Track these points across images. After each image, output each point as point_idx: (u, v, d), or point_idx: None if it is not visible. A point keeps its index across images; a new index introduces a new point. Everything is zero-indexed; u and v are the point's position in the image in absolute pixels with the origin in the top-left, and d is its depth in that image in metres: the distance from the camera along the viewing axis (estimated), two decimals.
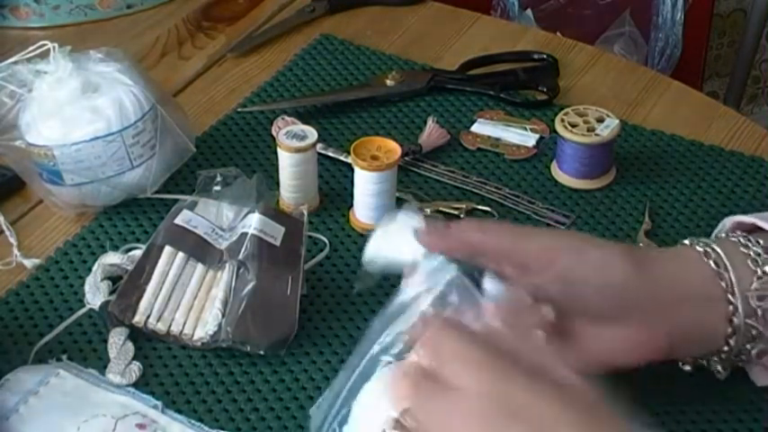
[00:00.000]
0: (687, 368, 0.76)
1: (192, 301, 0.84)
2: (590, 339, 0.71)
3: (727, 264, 0.72)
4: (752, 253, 0.73)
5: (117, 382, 0.79)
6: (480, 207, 0.95)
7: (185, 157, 0.97)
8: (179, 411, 0.78)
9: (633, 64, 1.24)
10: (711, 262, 0.73)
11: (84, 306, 0.85)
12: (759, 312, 0.72)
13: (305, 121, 1.01)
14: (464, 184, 0.97)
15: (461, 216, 0.94)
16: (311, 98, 1.08)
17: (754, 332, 0.73)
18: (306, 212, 0.89)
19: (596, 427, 0.56)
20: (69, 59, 0.90)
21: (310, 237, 0.89)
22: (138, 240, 0.91)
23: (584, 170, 0.96)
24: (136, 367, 0.80)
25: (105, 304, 0.84)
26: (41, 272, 0.89)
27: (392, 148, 0.91)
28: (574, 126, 0.95)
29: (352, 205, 0.93)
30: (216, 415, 0.78)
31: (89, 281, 0.86)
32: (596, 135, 0.95)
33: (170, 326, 0.83)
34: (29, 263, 0.90)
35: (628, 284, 0.72)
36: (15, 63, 0.91)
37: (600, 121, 0.96)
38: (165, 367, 0.81)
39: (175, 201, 0.92)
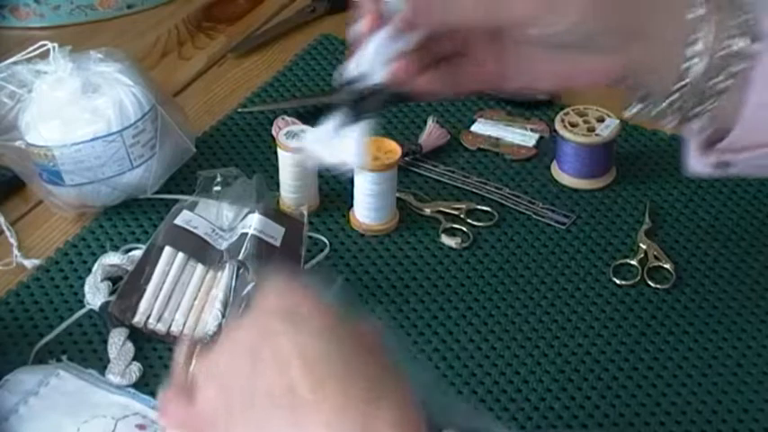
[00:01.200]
0: (633, 110, 0.70)
1: (192, 302, 0.84)
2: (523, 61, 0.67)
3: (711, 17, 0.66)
4: (735, 21, 0.66)
5: (117, 382, 0.79)
6: (480, 207, 0.95)
7: (185, 158, 0.97)
8: None
9: None
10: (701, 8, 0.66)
11: (84, 306, 0.85)
12: (720, 77, 0.67)
13: (305, 121, 1.01)
14: (464, 184, 0.97)
15: (461, 216, 0.94)
16: (311, 98, 1.08)
17: (706, 92, 0.67)
18: (306, 213, 0.89)
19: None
20: (69, 59, 0.90)
21: (310, 237, 0.89)
22: (138, 241, 0.91)
23: (585, 170, 0.96)
24: (136, 368, 0.80)
25: (105, 305, 0.84)
26: (41, 272, 0.89)
27: (392, 148, 0.91)
28: (574, 126, 0.95)
29: (352, 205, 0.93)
30: None
31: (89, 281, 0.86)
32: (596, 135, 0.95)
33: (170, 326, 0.83)
34: (29, 263, 0.90)
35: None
36: (15, 63, 0.91)
37: (600, 120, 0.96)
38: (165, 368, 0.81)
39: (175, 201, 0.92)
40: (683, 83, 0.67)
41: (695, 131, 0.70)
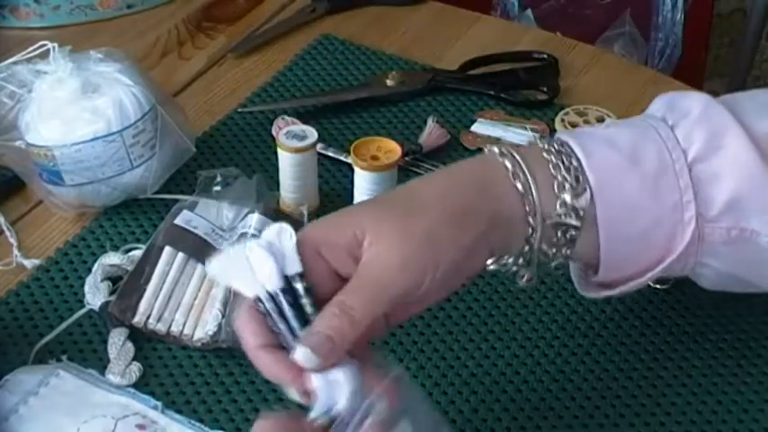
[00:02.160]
0: (490, 266, 0.73)
1: (192, 302, 0.84)
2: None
3: (533, 188, 0.70)
4: (559, 177, 0.71)
5: (117, 382, 0.79)
6: None
7: (185, 158, 0.97)
8: (179, 412, 0.78)
9: (633, 64, 1.24)
10: (519, 185, 0.71)
11: (84, 306, 0.85)
12: (558, 236, 0.72)
13: (305, 121, 1.01)
14: None
15: None
16: (311, 98, 1.08)
17: (549, 252, 0.73)
18: (306, 212, 0.89)
19: None
20: (69, 59, 0.90)
21: None
22: (138, 241, 0.91)
23: None
24: (136, 368, 0.80)
25: (105, 305, 0.84)
26: (41, 272, 0.89)
27: (392, 148, 0.91)
28: (574, 126, 0.95)
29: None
30: (216, 415, 0.78)
31: (89, 281, 0.86)
32: None
33: (170, 326, 0.83)
34: (29, 263, 0.90)
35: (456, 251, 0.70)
36: (15, 63, 0.91)
37: (600, 120, 0.96)
38: (165, 368, 0.81)
39: (175, 201, 0.92)
40: (527, 247, 0.72)
41: (573, 275, 0.78)
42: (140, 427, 0.76)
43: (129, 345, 0.82)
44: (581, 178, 0.71)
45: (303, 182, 0.93)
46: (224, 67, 1.14)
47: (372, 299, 0.66)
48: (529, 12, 1.67)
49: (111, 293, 0.85)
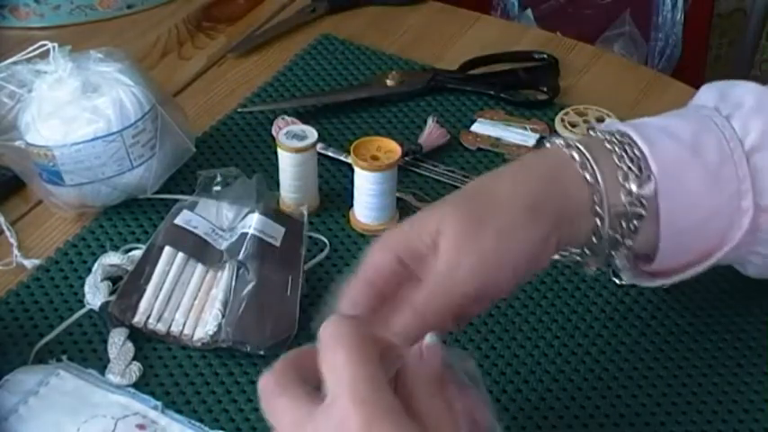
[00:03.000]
0: (556, 257, 0.75)
1: (192, 302, 0.84)
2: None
3: (599, 178, 0.72)
4: (624, 167, 0.72)
5: (117, 382, 0.79)
6: None
7: (185, 157, 0.97)
8: (179, 412, 0.78)
9: (633, 64, 1.24)
10: (587, 175, 0.72)
11: (84, 306, 0.85)
12: (622, 226, 0.73)
13: (305, 121, 1.01)
14: (464, 184, 0.96)
15: None
16: (311, 98, 1.08)
17: (617, 239, 0.73)
18: (306, 212, 0.89)
19: None
20: (69, 59, 0.90)
21: (310, 237, 0.89)
22: (138, 240, 0.91)
23: None
24: (136, 368, 0.80)
25: (105, 305, 0.84)
26: (41, 272, 0.89)
27: (392, 148, 0.91)
28: (574, 126, 0.95)
29: (352, 205, 0.93)
30: (216, 415, 0.78)
31: (89, 281, 0.86)
32: None
33: (170, 326, 0.83)
34: (29, 263, 0.90)
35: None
36: (15, 63, 0.91)
37: (600, 120, 0.96)
38: (165, 367, 0.81)
39: (175, 201, 0.92)
40: (594, 237, 0.73)
41: (620, 265, 0.77)
42: (140, 427, 0.76)
43: (129, 345, 0.82)
44: (643, 168, 0.72)
45: (303, 182, 0.93)
46: (224, 67, 1.14)
47: (445, 302, 0.67)
48: (529, 12, 1.67)
49: (111, 293, 0.85)
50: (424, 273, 0.68)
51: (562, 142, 0.73)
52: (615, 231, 0.73)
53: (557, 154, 0.73)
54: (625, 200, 0.72)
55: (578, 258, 0.75)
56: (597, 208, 0.71)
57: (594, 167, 0.72)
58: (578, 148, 0.72)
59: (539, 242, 0.69)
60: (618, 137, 0.73)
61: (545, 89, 1.08)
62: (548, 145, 0.75)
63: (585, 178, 0.71)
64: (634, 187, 0.72)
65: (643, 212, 0.72)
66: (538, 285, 0.87)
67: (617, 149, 0.73)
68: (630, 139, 0.73)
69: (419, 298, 0.67)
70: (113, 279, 0.87)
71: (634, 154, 0.72)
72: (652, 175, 0.72)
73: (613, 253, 0.74)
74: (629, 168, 0.72)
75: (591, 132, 0.76)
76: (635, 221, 0.72)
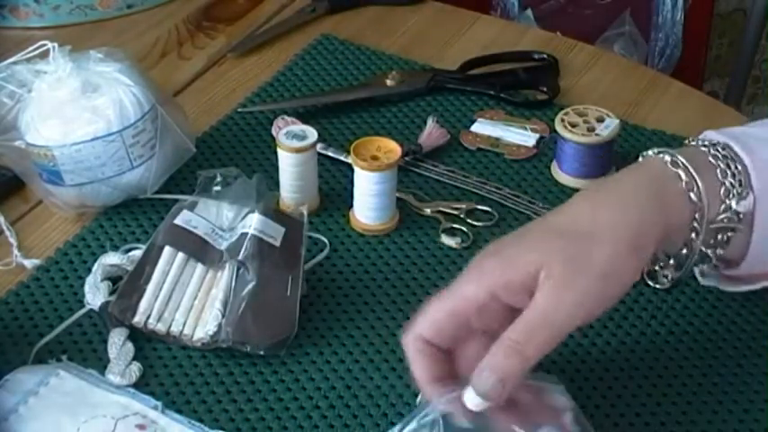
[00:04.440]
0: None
1: (192, 302, 0.84)
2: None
3: (703, 197, 0.72)
4: (727, 183, 0.73)
5: (117, 382, 0.79)
6: (480, 207, 0.95)
7: (185, 157, 0.97)
8: (179, 412, 0.78)
9: (633, 64, 1.24)
10: (693, 195, 0.73)
11: (84, 306, 0.85)
12: (716, 239, 0.74)
13: (305, 121, 1.01)
14: (464, 184, 0.97)
15: (461, 216, 0.94)
16: (311, 98, 1.08)
17: (707, 252, 0.75)
18: (306, 212, 0.89)
19: None
20: (69, 59, 0.90)
21: (310, 237, 0.89)
22: (138, 240, 0.91)
23: (584, 170, 0.96)
24: (136, 368, 0.80)
25: (105, 305, 0.84)
26: (41, 272, 0.89)
27: (392, 148, 0.91)
28: (574, 126, 0.95)
29: (352, 205, 0.93)
30: (216, 415, 0.78)
31: (89, 281, 0.86)
32: (596, 135, 0.95)
33: (170, 326, 0.83)
34: (29, 263, 0.90)
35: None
36: (15, 63, 0.91)
37: (600, 120, 0.96)
38: (165, 367, 0.81)
39: (175, 201, 0.91)
40: (685, 250, 0.75)
41: (703, 270, 0.80)
42: (140, 427, 0.76)
43: (129, 345, 0.82)
44: (744, 182, 0.73)
45: (303, 182, 0.93)
46: (224, 67, 1.14)
47: (547, 338, 0.67)
48: (529, 12, 1.67)
49: (111, 293, 0.85)
50: (519, 304, 0.68)
51: (667, 158, 0.73)
52: (708, 245, 0.74)
53: (660, 171, 0.73)
54: (724, 215, 0.73)
55: (656, 268, 0.77)
56: (696, 224, 0.73)
57: (700, 186, 0.72)
58: (685, 166, 0.73)
59: (638, 272, 0.70)
60: (721, 150, 0.74)
61: (545, 89, 1.08)
62: (644, 157, 0.75)
63: (690, 197, 0.72)
64: (734, 203, 0.73)
65: (740, 227, 0.73)
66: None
67: (721, 164, 0.73)
68: (733, 152, 0.74)
69: (521, 339, 0.66)
70: (113, 279, 0.87)
71: (737, 169, 0.73)
72: (751, 190, 0.73)
73: (697, 264, 0.76)
74: (732, 185, 0.73)
75: (692, 143, 0.76)
76: (729, 234, 0.74)
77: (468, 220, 0.93)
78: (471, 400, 0.66)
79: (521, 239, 0.71)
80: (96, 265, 0.87)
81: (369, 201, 0.91)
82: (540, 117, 1.05)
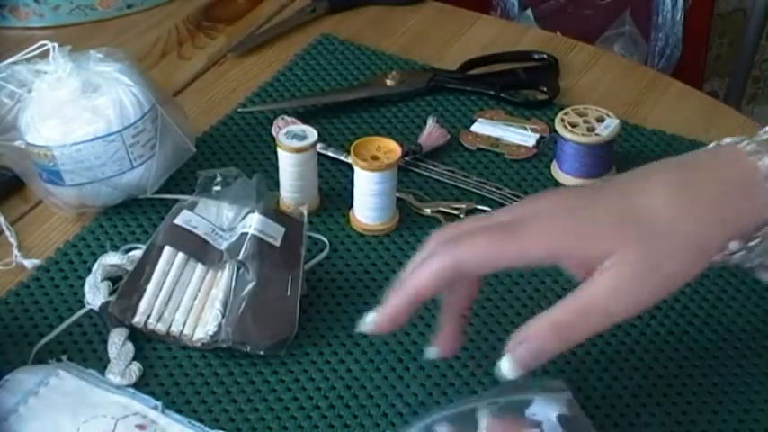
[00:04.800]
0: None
1: (192, 302, 0.84)
2: None
3: None
4: None
5: (117, 382, 0.79)
6: (480, 207, 0.95)
7: (185, 157, 0.97)
8: (179, 412, 0.78)
9: (633, 64, 1.24)
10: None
11: (84, 306, 0.85)
12: None
13: (305, 121, 1.01)
14: (464, 184, 0.97)
15: (461, 216, 0.94)
16: (311, 98, 1.08)
17: None
18: (306, 212, 0.89)
19: None
20: (69, 59, 0.90)
21: (310, 237, 0.89)
22: (138, 240, 0.91)
23: (585, 170, 0.96)
24: (136, 368, 0.80)
25: (105, 305, 0.84)
26: (41, 272, 0.89)
27: (392, 148, 0.91)
28: (574, 126, 0.95)
29: (352, 205, 0.93)
30: (216, 415, 0.78)
31: (89, 281, 0.86)
32: (596, 135, 0.95)
33: (170, 326, 0.83)
34: (29, 263, 0.90)
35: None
36: (15, 63, 0.91)
37: (600, 120, 0.96)
38: (165, 367, 0.81)
39: (175, 201, 0.92)
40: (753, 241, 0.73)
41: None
42: (140, 427, 0.76)
43: (129, 345, 0.82)
44: None
45: (303, 182, 0.93)
46: (224, 67, 1.14)
47: (597, 325, 0.67)
48: (529, 12, 1.67)
49: (111, 293, 0.85)
50: (574, 272, 0.69)
51: (748, 148, 0.71)
52: None
53: (737, 160, 0.71)
54: None
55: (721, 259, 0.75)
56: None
57: None
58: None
59: (703, 268, 0.69)
60: None
61: (545, 89, 1.08)
62: (726, 141, 0.73)
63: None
64: None
65: None
66: (538, 285, 0.87)
67: None
68: None
69: (569, 321, 0.67)
70: (113, 279, 0.87)
71: None
72: None
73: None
74: None
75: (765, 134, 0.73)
76: None
77: None
78: (506, 365, 0.68)
79: (596, 210, 0.69)
80: (96, 265, 0.87)
81: (369, 201, 0.91)
82: (540, 117, 1.05)
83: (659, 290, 0.68)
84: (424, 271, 0.69)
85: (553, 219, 0.69)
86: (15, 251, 0.91)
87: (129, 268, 0.86)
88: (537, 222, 0.68)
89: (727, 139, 0.73)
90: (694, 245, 0.68)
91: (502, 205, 0.95)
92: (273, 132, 1.02)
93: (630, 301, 0.67)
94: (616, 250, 0.67)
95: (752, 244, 0.74)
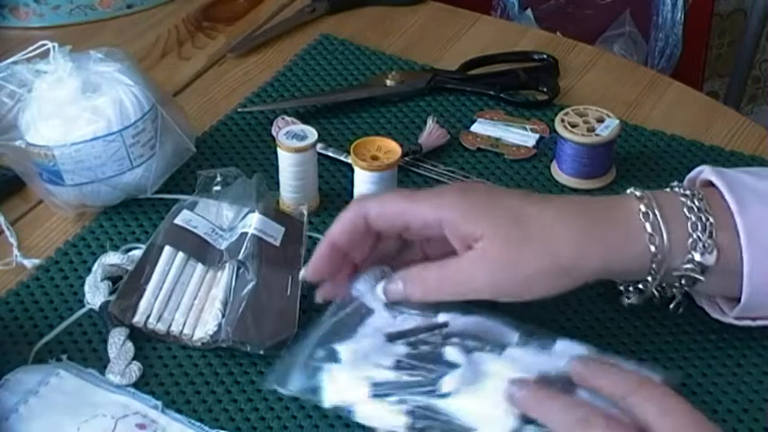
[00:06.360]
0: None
1: (192, 301, 0.84)
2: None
3: (665, 248, 0.75)
4: (695, 236, 0.75)
5: (117, 382, 0.79)
6: None
7: (185, 157, 0.97)
8: (179, 411, 0.78)
9: (633, 64, 1.24)
10: (653, 247, 0.75)
11: (84, 306, 0.85)
12: (678, 284, 0.78)
13: (305, 121, 1.01)
14: None
15: None
16: (311, 98, 1.08)
17: (667, 289, 0.80)
18: (306, 212, 0.89)
19: None
20: (69, 59, 0.90)
21: (310, 237, 0.89)
22: (138, 240, 0.91)
23: (584, 170, 0.96)
24: (136, 367, 0.80)
25: (105, 304, 0.84)
26: (41, 272, 0.89)
27: (392, 148, 0.91)
28: (574, 126, 0.95)
29: None
30: (216, 415, 0.78)
31: (89, 281, 0.86)
32: (596, 135, 0.95)
33: (170, 326, 0.83)
34: (29, 263, 0.90)
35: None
36: (15, 63, 0.91)
37: (600, 121, 0.96)
38: (165, 367, 0.81)
39: (175, 201, 0.92)
40: (642, 286, 0.79)
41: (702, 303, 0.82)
42: (140, 426, 0.76)
43: (129, 344, 0.82)
44: (713, 234, 0.75)
45: (303, 182, 0.93)
46: (224, 67, 1.14)
47: (451, 294, 0.76)
48: (529, 12, 1.67)
49: (111, 293, 0.85)
50: (453, 245, 0.76)
51: (642, 207, 0.75)
52: (671, 286, 0.78)
53: (626, 215, 0.76)
54: (687, 266, 0.75)
55: (621, 288, 0.82)
56: (653, 270, 0.76)
57: (665, 238, 0.75)
58: (655, 217, 0.75)
59: (559, 292, 0.76)
60: (697, 202, 0.76)
61: (545, 89, 1.08)
62: (629, 194, 0.77)
63: (650, 249, 0.75)
64: (698, 256, 0.75)
65: (701, 278, 0.75)
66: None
67: (693, 217, 0.75)
68: (721, 196, 0.76)
69: (431, 278, 0.76)
70: (113, 279, 0.87)
71: (708, 221, 0.75)
72: (717, 246, 0.74)
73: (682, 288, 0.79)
74: (699, 238, 0.75)
75: (675, 188, 0.78)
76: (692, 281, 0.76)
77: None
78: (379, 292, 0.78)
79: (492, 202, 0.76)
80: (96, 265, 0.87)
81: None
82: (540, 117, 1.05)
83: (513, 287, 0.74)
84: (337, 221, 0.78)
85: (453, 196, 0.77)
86: (15, 251, 0.91)
87: (129, 268, 0.86)
88: (439, 197, 0.77)
89: (635, 191, 0.77)
90: (559, 261, 0.74)
91: None
92: (273, 132, 1.02)
93: (486, 283, 0.74)
94: (486, 235, 0.73)
95: (641, 287, 0.78)
